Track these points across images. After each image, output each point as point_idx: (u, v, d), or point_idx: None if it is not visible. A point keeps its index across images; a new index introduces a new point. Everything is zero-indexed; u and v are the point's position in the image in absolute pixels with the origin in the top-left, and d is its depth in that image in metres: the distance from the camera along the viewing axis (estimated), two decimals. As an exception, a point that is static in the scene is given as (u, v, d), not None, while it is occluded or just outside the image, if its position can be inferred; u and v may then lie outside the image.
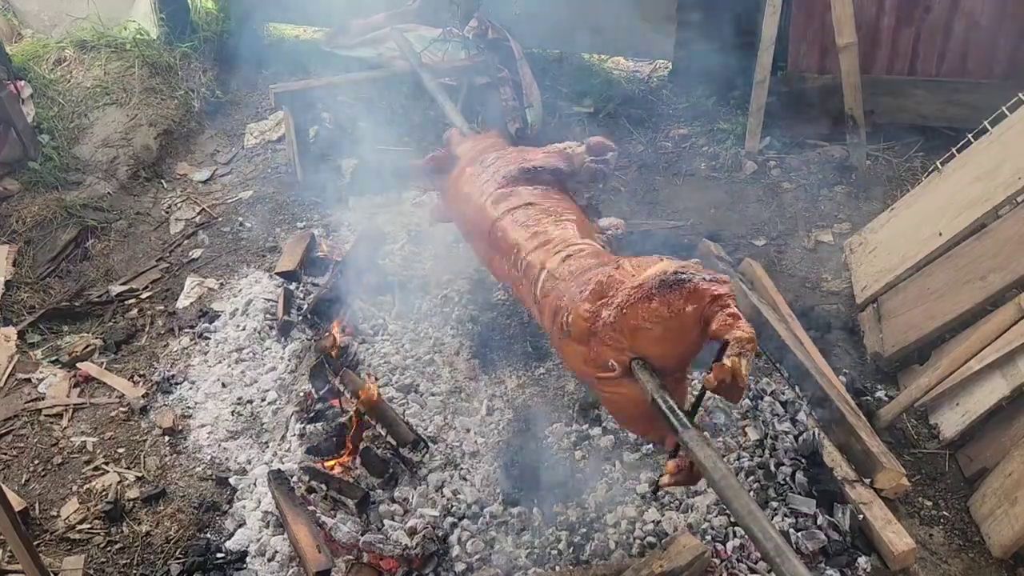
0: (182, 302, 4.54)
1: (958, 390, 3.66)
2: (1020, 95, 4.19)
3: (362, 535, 3.15)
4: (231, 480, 3.55)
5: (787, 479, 3.35)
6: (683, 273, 2.38)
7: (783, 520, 3.19)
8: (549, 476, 3.35)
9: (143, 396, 3.97)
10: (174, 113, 5.86)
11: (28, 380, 4.11)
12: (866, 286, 4.33)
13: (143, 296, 4.62)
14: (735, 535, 3.16)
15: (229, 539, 3.32)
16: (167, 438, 3.78)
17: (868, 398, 3.82)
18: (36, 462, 3.72)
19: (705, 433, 2.32)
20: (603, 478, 3.35)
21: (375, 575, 3.07)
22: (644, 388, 2.41)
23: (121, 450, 3.76)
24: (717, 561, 3.08)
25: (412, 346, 3.95)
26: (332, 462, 3.45)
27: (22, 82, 5.56)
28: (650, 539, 3.14)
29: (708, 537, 3.14)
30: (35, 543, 3.25)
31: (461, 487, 3.32)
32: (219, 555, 3.26)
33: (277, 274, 4.45)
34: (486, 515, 3.22)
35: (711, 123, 5.74)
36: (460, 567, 3.08)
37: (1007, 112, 4.22)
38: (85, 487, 3.60)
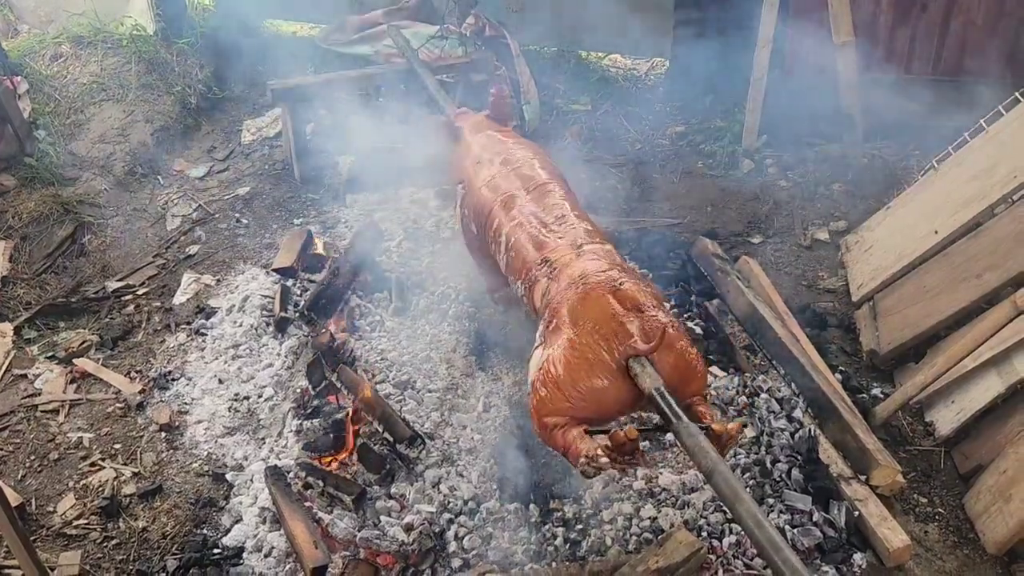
0: (179, 298, 4.54)
1: (953, 388, 3.67)
2: (1016, 94, 4.20)
3: (359, 531, 3.15)
4: (228, 476, 3.55)
5: (783, 476, 3.36)
6: None
7: (779, 517, 3.20)
8: (545, 472, 3.35)
9: (140, 392, 3.96)
10: (171, 109, 5.85)
11: (24, 376, 4.10)
12: (862, 284, 4.34)
13: (140, 292, 4.62)
14: (731, 531, 3.17)
15: (226, 535, 3.32)
16: (164, 434, 3.78)
17: (864, 395, 3.83)
18: (32, 458, 3.72)
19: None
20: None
21: (372, 571, 3.08)
22: (643, 384, 2.49)
23: (118, 446, 3.76)
24: (713, 557, 3.09)
25: (409, 343, 3.95)
26: (329, 458, 3.45)
27: (18, 77, 5.55)
28: (646, 535, 3.15)
29: (704, 533, 3.15)
30: (32, 539, 3.25)
31: (458, 483, 3.33)
32: (216, 551, 3.25)
33: (274, 270, 4.45)
34: (483, 511, 3.23)
35: (708, 121, 5.74)
36: (457, 563, 3.09)
37: (1003, 111, 4.23)
38: (82, 483, 3.60)
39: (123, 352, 4.25)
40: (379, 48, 6.04)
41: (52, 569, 3.21)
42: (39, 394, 4.01)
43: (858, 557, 3.14)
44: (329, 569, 3.04)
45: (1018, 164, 3.89)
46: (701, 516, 3.22)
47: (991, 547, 3.23)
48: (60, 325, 4.43)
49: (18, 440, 3.80)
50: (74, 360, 4.15)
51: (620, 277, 2.82)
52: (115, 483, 3.57)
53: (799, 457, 3.42)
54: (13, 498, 3.39)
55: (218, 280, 4.63)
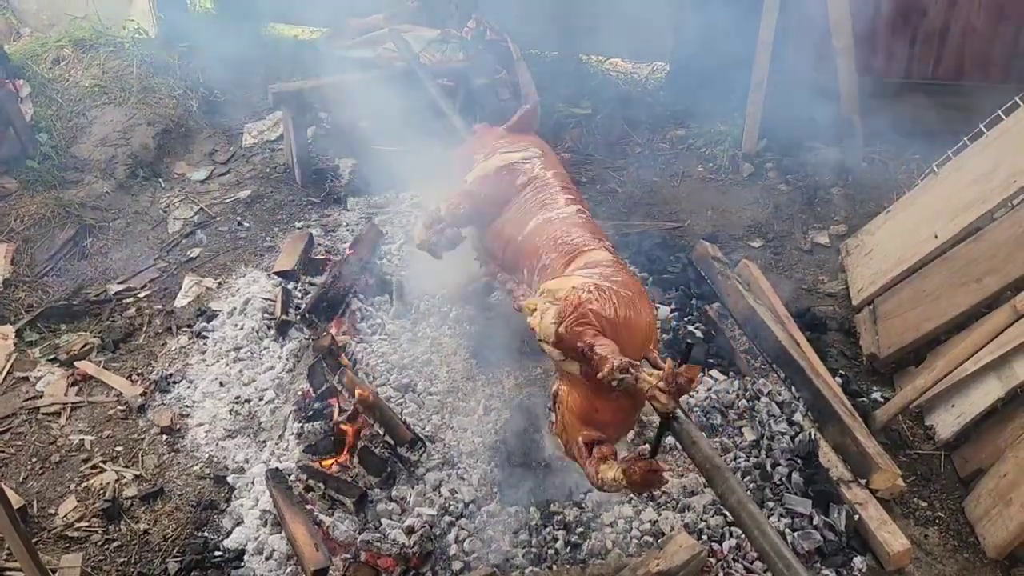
0: (180, 301, 4.54)
1: (953, 392, 3.68)
2: (1016, 99, 4.21)
3: (360, 534, 3.16)
4: (229, 479, 3.56)
5: (783, 479, 3.37)
6: None
7: (779, 520, 3.21)
8: (546, 475, 3.36)
9: (141, 395, 3.97)
10: (172, 112, 5.86)
11: (26, 378, 4.11)
12: (862, 288, 4.35)
13: (141, 295, 4.62)
14: (731, 535, 3.18)
15: (227, 537, 3.32)
16: (165, 437, 3.78)
17: (864, 399, 3.84)
18: (34, 460, 3.72)
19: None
20: (600, 478, 3.36)
21: (373, 574, 3.08)
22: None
23: (119, 448, 3.76)
24: (713, 561, 3.09)
25: (410, 346, 3.96)
26: (330, 461, 3.46)
27: (20, 80, 5.56)
28: (647, 538, 3.15)
29: (704, 537, 3.16)
30: (33, 541, 3.25)
31: (458, 486, 3.33)
32: (217, 553, 3.26)
33: (275, 273, 4.45)
34: (483, 514, 3.23)
35: (708, 125, 5.75)
36: (457, 566, 3.09)
37: (1003, 116, 4.24)
38: (83, 485, 3.60)
39: (124, 355, 4.26)
40: (381, 52, 6.05)
41: (54, 571, 3.21)
42: (41, 397, 4.01)
43: (858, 561, 3.15)
44: (330, 571, 3.04)
45: (1018, 168, 3.90)
46: (701, 519, 3.22)
47: (991, 551, 3.23)
48: (62, 328, 4.43)
49: (20, 442, 3.80)
50: (75, 363, 4.15)
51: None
52: (116, 485, 3.58)
53: (799, 461, 3.43)
54: (15, 500, 3.39)
55: (219, 283, 4.64)
